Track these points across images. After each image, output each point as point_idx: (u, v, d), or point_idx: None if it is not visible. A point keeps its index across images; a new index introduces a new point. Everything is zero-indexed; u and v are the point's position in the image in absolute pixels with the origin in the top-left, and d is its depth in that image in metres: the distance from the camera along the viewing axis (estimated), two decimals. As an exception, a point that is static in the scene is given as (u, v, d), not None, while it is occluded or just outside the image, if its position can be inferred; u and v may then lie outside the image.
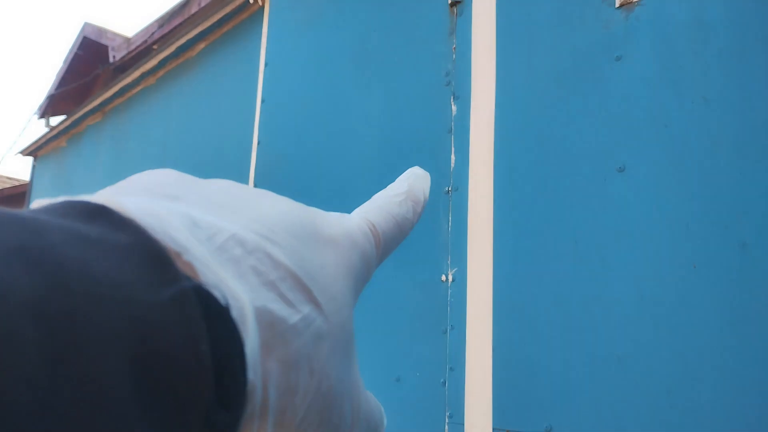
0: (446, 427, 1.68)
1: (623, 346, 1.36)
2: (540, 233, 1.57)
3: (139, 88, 3.83)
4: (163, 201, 0.18)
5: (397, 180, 0.27)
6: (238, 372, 0.16)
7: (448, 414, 1.68)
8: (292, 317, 0.18)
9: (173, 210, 0.17)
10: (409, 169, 0.28)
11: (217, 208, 0.19)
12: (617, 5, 1.54)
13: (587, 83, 1.56)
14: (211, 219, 0.18)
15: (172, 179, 0.20)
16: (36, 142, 5.14)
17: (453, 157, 1.85)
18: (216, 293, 0.16)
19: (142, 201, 0.17)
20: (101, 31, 11.47)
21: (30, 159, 5.46)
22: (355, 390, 0.21)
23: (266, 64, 2.69)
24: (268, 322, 0.17)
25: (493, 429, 1.57)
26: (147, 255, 0.15)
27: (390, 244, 0.24)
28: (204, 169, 3.00)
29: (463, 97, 1.86)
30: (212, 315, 0.15)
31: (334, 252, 0.21)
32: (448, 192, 1.84)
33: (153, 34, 8.88)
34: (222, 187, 0.21)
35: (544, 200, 1.58)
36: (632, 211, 1.41)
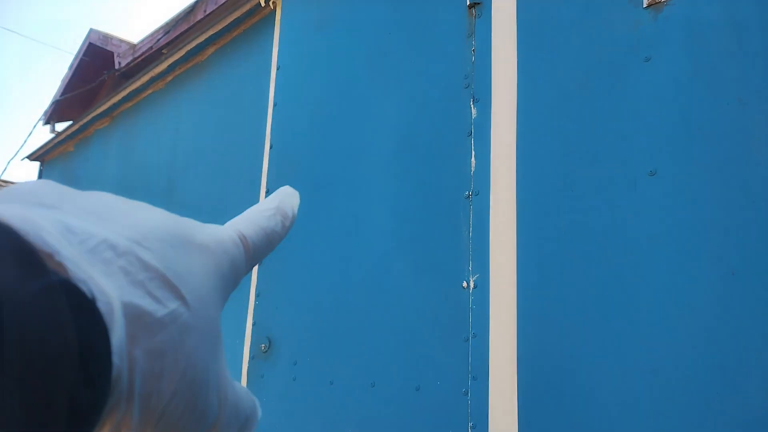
0: (469, 438, 1.63)
1: (658, 357, 1.31)
2: (567, 239, 1.53)
3: (147, 92, 3.80)
4: (39, 209, 0.19)
5: (268, 197, 0.30)
6: (103, 357, 0.17)
7: (471, 425, 1.64)
8: (159, 311, 0.20)
9: (47, 217, 0.19)
10: (280, 188, 0.31)
11: (93, 216, 0.20)
12: (645, 5, 1.50)
13: (615, 85, 1.52)
14: (85, 225, 0.19)
15: (49, 190, 0.21)
16: (43, 146, 5.11)
17: (473, 161, 1.81)
18: (83, 287, 0.18)
19: (18, 208, 0.18)
20: (107, 38, 11.50)
21: (36, 164, 5.44)
22: (221, 380, 0.23)
23: (278, 68, 2.65)
24: (135, 315, 0.19)
25: (519, 441, 1.52)
26: (20, 255, 0.16)
27: (259, 253, 0.27)
28: (215, 174, 2.97)
29: (483, 99, 1.82)
30: (79, 306, 0.17)
31: (205, 256, 0.23)
32: (469, 197, 1.80)
33: (159, 40, 8.88)
34: (98, 198, 0.22)
35: (571, 205, 1.54)
36: (665, 216, 1.36)
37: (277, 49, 2.70)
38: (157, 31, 9.55)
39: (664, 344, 1.31)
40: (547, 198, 1.60)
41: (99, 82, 9.21)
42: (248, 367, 2.40)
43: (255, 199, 2.61)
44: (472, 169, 1.80)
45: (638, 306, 1.36)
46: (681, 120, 1.38)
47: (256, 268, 2.48)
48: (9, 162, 9.63)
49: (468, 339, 1.70)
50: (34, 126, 7.90)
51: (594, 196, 1.50)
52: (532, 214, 1.62)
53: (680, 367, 1.28)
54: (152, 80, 3.68)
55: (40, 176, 5.30)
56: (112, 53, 11.80)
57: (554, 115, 1.63)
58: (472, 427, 1.63)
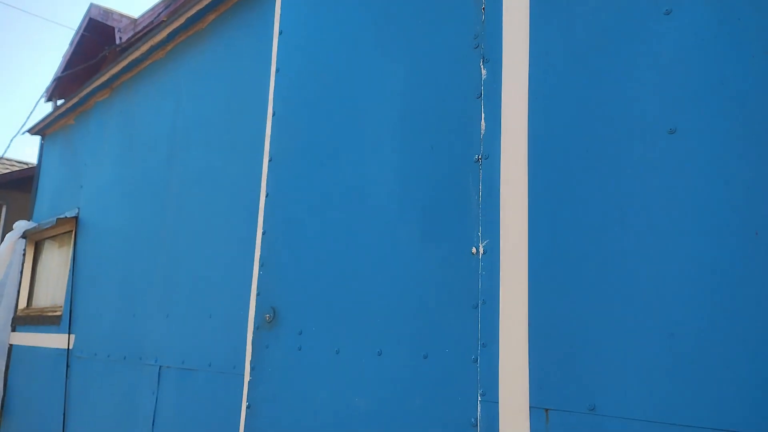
0: (479, 405, 1.60)
1: (676, 320, 1.27)
2: (582, 202, 1.48)
3: (147, 62, 3.72)
4: None
5: None
6: None
7: (480, 392, 1.60)
8: None
9: None
10: None
11: None
12: (666, -45, 1.43)
13: (633, 40, 1.45)
14: None
15: None
16: (44, 120, 5.05)
17: (483, 123, 1.75)
18: None
19: None
20: (107, 13, 11.38)
21: (38, 138, 5.38)
22: None
23: (280, 32, 2.58)
24: None
25: (531, 408, 1.49)
26: None
27: None
28: (216, 143, 2.91)
29: (493, 60, 1.76)
30: None
31: None
32: (478, 160, 1.74)
33: (160, 14, 8.76)
34: None
35: (586, 166, 1.49)
36: (685, 176, 1.31)
37: (279, 13, 2.62)
38: (158, 5, 9.42)
39: (682, 307, 1.26)
40: (560, 160, 1.55)
41: (100, 58, 9.12)
42: (253, 337, 2.37)
43: (257, 168, 2.56)
44: (482, 131, 1.75)
45: (656, 268, 1.32)
46: (703, 75, 1.32)
47: (260, 238, 2.44)
48: (11, 140, 9.53)
49: (477, 306, 1.66)
50: (36, 103, 7.83)
51: (610, 157, 1.44)
52: (545, 177, 1.57)
53: (698, 331, 1.24)
54: (152, 49, 3.60)
55: (41, 150, 5.25)
56: (113, 28, 11.69)
57: (569, 73, 1.57)
58: (482, 395, 1.60)
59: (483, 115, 1.75)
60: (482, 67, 1.78)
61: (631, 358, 1.33)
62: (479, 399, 1.61)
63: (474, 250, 1.70)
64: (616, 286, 1.38)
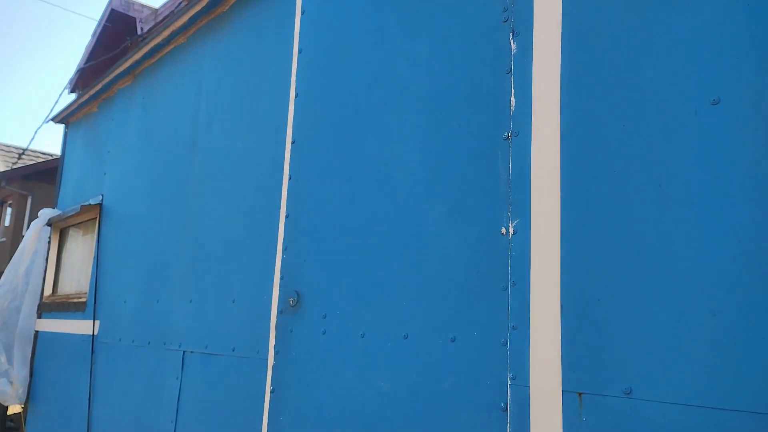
0: (509, 389, 1.56)
1: (719, 298, 1.21)
2: (618, 177, 1.42)
3: (169, 47, 3.71)
4: None
5: None
6: None
7: (510, 376, 1.56)
8: None
9: None
10: None
11: None
12: None
13: (674, 6, 1.38)
14: None
15: None
16: (67, 108, 5.08)
17: (513, 99, 1.69)
18: None
19: None
20: (129, 3, 11.45)
21: (61, 127, 5.42)
22: None
23: (303, 12, 2.54)
24: None
25: (563, 391, 1.44)
26: None
27: None
28: (239, 127, 2.89)
29: (523, 33, 1.70)
30: None
31: None
32: (508, 137, 1.69)
33: (180, 4, 8.74)
34: None
35: (622, 140, 1.43)
36: (729, 149, 1.24)
37: (301, -7, 2.58)
38: (178, -5, 9.36)
39: (725, 284, 1.20)
40: (595, 135, 1.49)
41: (122, 48, 9.18)
42: (277, 321, 2.35)
43: (280, 151, 2.53)
44: (512, 108, 1.69)
45: (696, 245, 1.26)
46: (748, 42, 1.25)
47: (283, 222, 2.41)
48: (36, 131, 9.70)
49: (507, 287, 1.61)
50: (60, 95, 7.90)
51: (649, 130, 1.38)
52: (579, 154, 1.51)
53: (742, 309, 1.18)
54: (173, 34, 3.59)
55: (65, 138, 5.30)
56: (134, 19, 11.74)
57: (604, 45, 1.50)
58: (512, 378, 1.55)
59: (513, 90, 1.70)
60: (512, 41, 1.73)
61: (670, 338, 1.27)
62: (509, 383, 1.56)
63: (504, 230, 1.65)
64: (654, 264, 1.32)
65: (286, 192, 2.43)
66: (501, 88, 1.73)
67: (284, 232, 2.40)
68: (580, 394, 1.41)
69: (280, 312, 2.35)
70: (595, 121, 1.49)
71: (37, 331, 4.87)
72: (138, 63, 4.01)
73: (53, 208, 5.14)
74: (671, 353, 1.27)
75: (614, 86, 1.47)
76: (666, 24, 1.39)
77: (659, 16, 1.41)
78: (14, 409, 8.00)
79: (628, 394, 1.32)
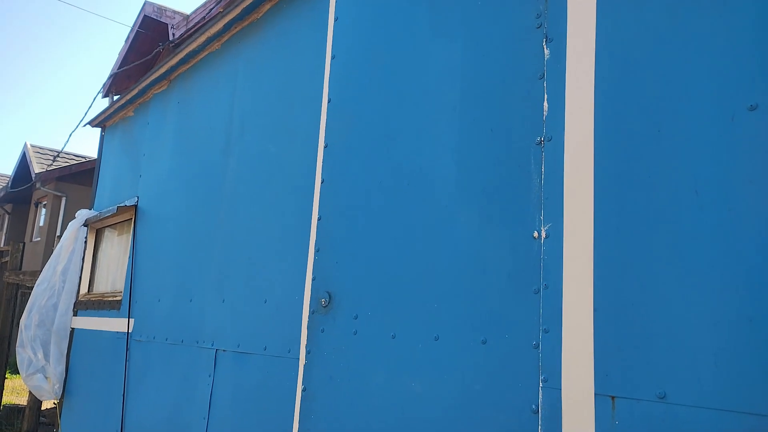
0: (540, 392, 1.57)
1: (756, 304, 1.21)
2: (652, 183, 1.43)
3: (204, 53, 3.80)
4: None
5: None
6: None
7: (542, 378, 1.57)
8: None
9: None
10: None
11: None
12: (746, -77, 1.36)
13: (711, 11, 1.39)
14: None
15: None
16: (104, 112, 5.22)
17: (546, 105, 1.71)
18: None
19: None
20: (161, 10, 11.69)
21: (98, 130, 5.57)
22: None
23: (336, 19, 2.58)
24: None
25: (596, 395, 1.45)
26: None
27: None
28: (273, 132, 2.94)
29: (557, 39, 1.71)
30: None
31: None
32: (541, 143, 1.70)
33: (211, 10, 8.91)
34: None
35: (657, 146, 1.43)
36: (766, 154, 1.24)
37: None
38: (209, 1, 9.56)
39: (761, 290, 1.20)
40: (629, 140, 1.49)
41: (154, 54, 9.37)
42: (308, 321, 2.39)
43: (313, 155, 2.57)
44: (545, 113, 1.71)
45: (733, 250, 1.26)
46: (788, 47, 1.25)
47: (315, 224, 2.45)
48: (71, 134, 9.93)
49: (539, 290, 1.62)
50: (94, 99, 8.09)
51: (684, 135, 1.38)
52: (612, 159, 1.52)
53: (782, 317, 1.17)
54: (208, 41, 3.67)
55: (101, 141, 5.44)
56: (166, 25, 11.97)
57: (639, 50, 1.51)
58: (544, 381, 1.57)
59: (546, 96, 1.71)
60: (545, 46, 1.74)
61: (705, 343, 1.27)
62: (540, 385, 1.57)
63: (536, 234, 1.66)
64: (690, 269, 1.32)
65: (319, 195, 2.48)
66: (534, 94, 1.75)
67: (317, 234, 2.45)
68: (613, 397, 1.42)
69: (311, 312, 2.39)
70: (628, 126, 1.50)
71: (72, 329, 5.01)
72: (173, 68, 4.11)
73: (88, 209, 5.28)
74: (706, 358, 1.27)
75: (649, 91, 1.48)
76: (702, 28, 1.40)
77: (695, 20, 1.41)
78: (47, 404, 8.21)
79: (662, 398, 1.33)
